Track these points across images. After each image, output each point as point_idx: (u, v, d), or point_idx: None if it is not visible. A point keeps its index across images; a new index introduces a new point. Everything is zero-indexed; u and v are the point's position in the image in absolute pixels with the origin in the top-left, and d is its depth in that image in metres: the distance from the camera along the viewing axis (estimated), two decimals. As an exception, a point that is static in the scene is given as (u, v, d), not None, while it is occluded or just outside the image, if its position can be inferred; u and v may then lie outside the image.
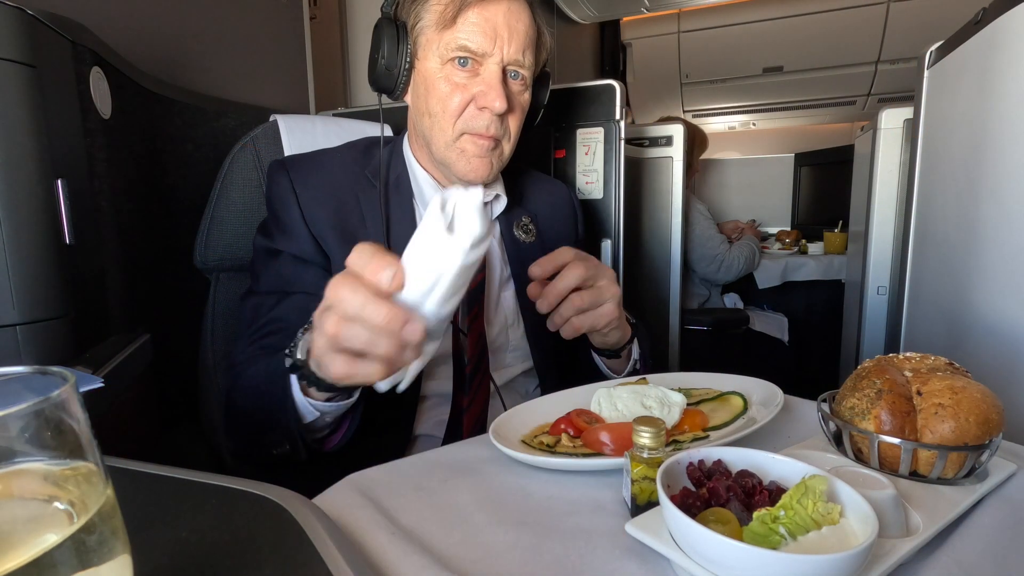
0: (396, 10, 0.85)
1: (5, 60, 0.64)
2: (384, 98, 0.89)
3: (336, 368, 0.54)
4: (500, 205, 0.96)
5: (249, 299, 0.87)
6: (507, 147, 0.88)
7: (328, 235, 0.84)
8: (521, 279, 0.93)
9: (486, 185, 0.89)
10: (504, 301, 0.93)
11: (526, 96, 0.87)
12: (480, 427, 0.87)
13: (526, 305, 0.91)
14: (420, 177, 0.92)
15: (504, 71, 0.82)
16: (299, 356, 0.62)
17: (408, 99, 0.90)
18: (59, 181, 0.70)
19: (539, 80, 0.92)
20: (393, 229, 0.88)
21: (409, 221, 0.89)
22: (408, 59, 0.84)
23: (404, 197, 0.90)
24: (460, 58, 0.81)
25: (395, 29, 0.83)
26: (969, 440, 0.50)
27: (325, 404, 0.66)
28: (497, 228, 0.97)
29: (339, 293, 0.52)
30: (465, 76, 0.82)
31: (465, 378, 0.86)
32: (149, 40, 1.17)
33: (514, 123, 0.86)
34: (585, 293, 0.75)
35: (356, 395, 0.68)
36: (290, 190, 0.86)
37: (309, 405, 0.66)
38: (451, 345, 0.86)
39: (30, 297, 0.66)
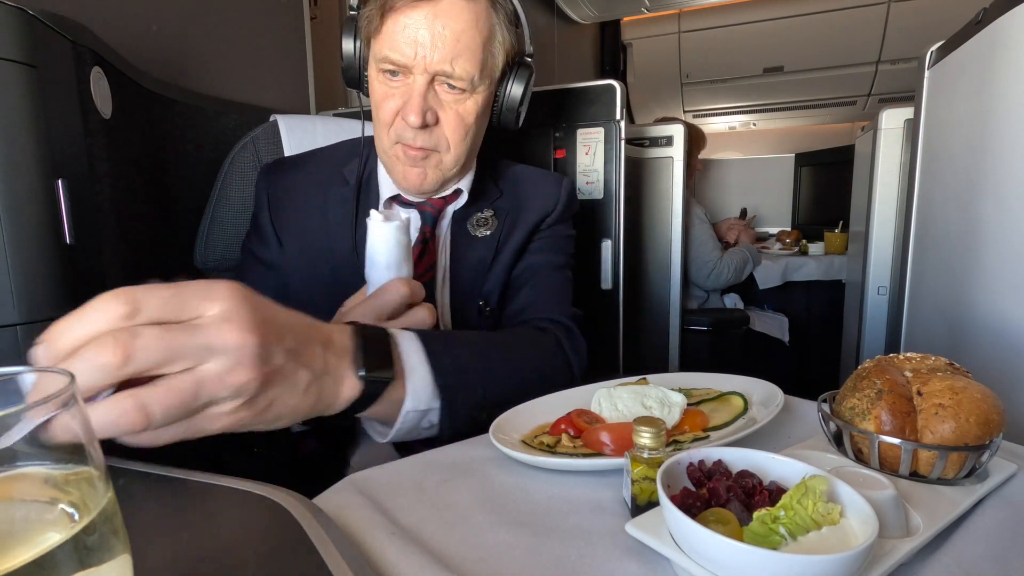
0: (359, 8, 0.84)
1: (6, 60, 0.64)
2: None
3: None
4: (460, 201, 0.92)
5: None
6: (448, 157, 0.83)
7: (286, 228, 0.88)
8: (457, 275, 0.91)
9: (424, 191, 0.87)
10: (443, 297, 0.91)
11: (468, 104, 0.81)
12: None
13: (454, 302, 0.90)
14: (381, 172, 0.92)
15: (435, 79, 0.78)
16: None
17: None
18: (59, 181, 0.71)
19: (514, 75, 0.87)
20: (338, 227, 0.89)
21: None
22: (363, 60, 0.84)
23: (372, 193, 0.91)
24: (387, 68, 0.78)
25: (353, 27, 0.84)
26: (970, 440, 0.50)
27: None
28: (450, 223, 0.92)
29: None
30: (396, 85, 0.79)
31: None
32: (150, 40, 1.17)
33: (452, 133, 0.81)
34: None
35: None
36: (264, 193, 0.90)
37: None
38: None
39: (31, 297, 0.66)
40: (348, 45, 0.84)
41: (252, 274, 0.90)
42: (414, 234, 0.90)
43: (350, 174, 0.91)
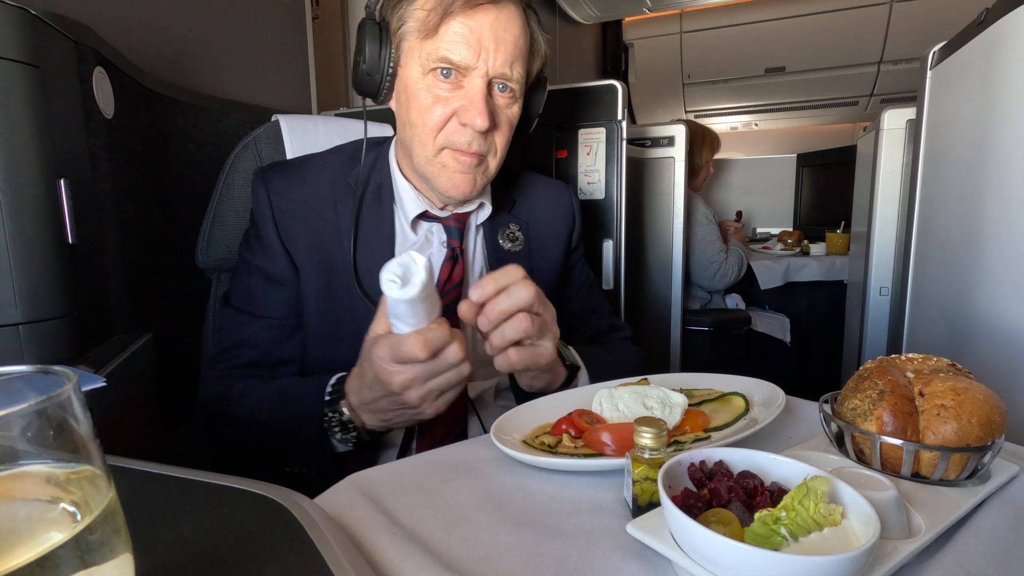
0: (380, 10, 0.80)
1: (8, 60, 0.64)
2: (370, 101, 0.87)
3: (432, 411, 0.69)
4: (484, 213, 0.92)
5: (222, 308, 0.91)
6: (493, 162, 0.84)
7: (301, 250, 0.85)
8: None
9: (469, 199, 0.87)
10: None
11: (515, 109, 0.82)
12: (453, 439, 0.86)
13: None
14: (401, 186, 0.88)
15: (490, 84, 0.78)
16: (356, 433, 0.74)
17: (392, 105, 0.86)
18: (62, 181, 0.71)
19: (535, 86, 0.88)
20: (371, 239, 0.86)
21: (388, 230, 0.87)
22: (391, 65, 0.79)
23: (385, 205, 0.88)
24: (442, 69, 0.76)
25: (378, 31, 0.79)
26: (971, 441, 0.50)
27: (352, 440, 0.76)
28: (481, 237, 0.93)
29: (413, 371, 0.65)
30: (447, 88, 0.77)
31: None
32: (152, 40, 1.17)
33: (500, 138, 0.82)
34: (533, 318, 0.69)
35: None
36: (267, 204, 0.85)
37: (341, 444, 0.76)
38: None
39: (33, 296, 0.66)
40: (373, 48, 0.78)
41: (256, 285, 0.87)
42: (442, 251, 0.88)
43: (356, 183, 0.88)
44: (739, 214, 3.31)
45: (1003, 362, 0.89)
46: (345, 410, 0.74)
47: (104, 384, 0.61)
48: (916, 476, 0.52)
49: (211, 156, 1.19)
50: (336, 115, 1.36)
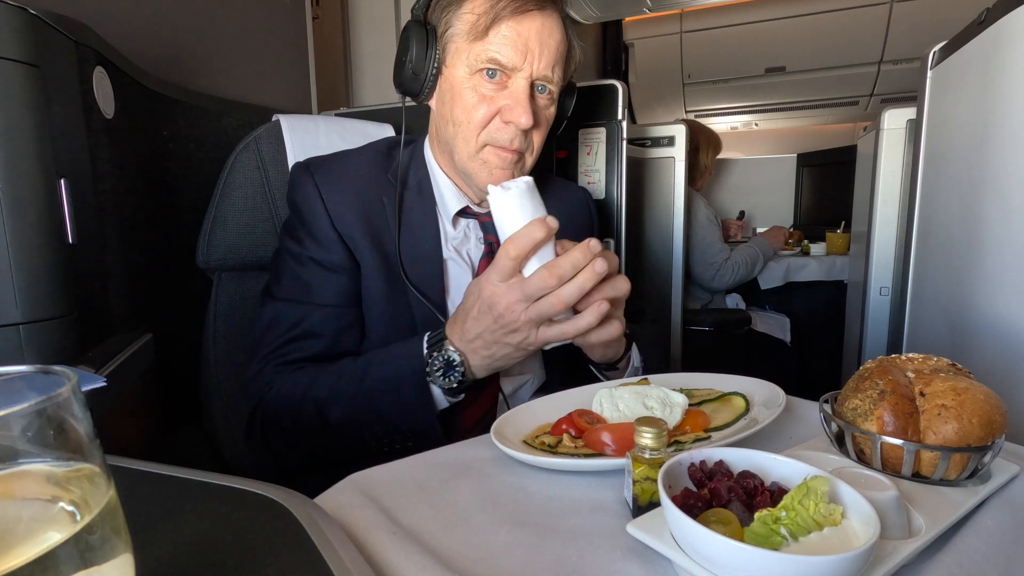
0: (427, 13, 0.84)
1: (8, 60, 0.64)
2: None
3: (537, 338, 0.71)
4: None
5: (269, 303, 0.88)
6: (529, 160, 0.88)
7: (357, 238, 0.86)
8: None
9: None
10: None
11: (552, 110, 0.87)
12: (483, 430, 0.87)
13: None
14: (441, 182, 0.92)
15: (532, 85, 0.82)
16: (464, 377, 0.75)
17: (432, 103, 0.89)
18: (62, 181, 0.71)
19: (565, 90, 0.92)
20: (417, 234, 0.88)
21: (432, 226, 0.89)
22: (436, 65, 0.83)
23: (427, 201, 0.91)
24: (489, 70, 0.80)
25: (424, 33, 0.83)
26: (972, 441, 0.50)
27: (452, 398, 0.78)
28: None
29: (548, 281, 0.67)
30: (492, 88, 0.81)
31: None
32: (152, 40, 1.17)
33: (538, 137, 0.87)
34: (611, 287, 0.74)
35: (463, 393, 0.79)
36: (316, 196, 0.86)
37: (444, 400, 0.78)
38: None
39: (33, 296, 0.66)
40: (420, 49, 0.82)
41: (313, 276, 0.86)
42: (479, 246, 0.92)
43: (395, 178, 0.91)
44: (742, 213, 3.30)
45: (1003, 362, 0.89)
46: (450, 348, 0.74)
47: (104, 384, 0.61)
48: (916, 476, 0.52)
49: (211, 156, 1.19)
50: (337, 115, 1.36)
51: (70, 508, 0.27)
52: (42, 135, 0.68)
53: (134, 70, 0.98)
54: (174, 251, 1.09)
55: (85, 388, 0.59)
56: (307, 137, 1.14)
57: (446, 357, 0.74)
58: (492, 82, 0.81)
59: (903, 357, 0.59)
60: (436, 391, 0.76)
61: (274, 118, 1.14)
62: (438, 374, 0.74)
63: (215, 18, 1.33)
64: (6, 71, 0.64)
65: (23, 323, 0.65)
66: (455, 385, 0.75)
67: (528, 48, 0.80)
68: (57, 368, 0.29)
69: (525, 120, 0.80)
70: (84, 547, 0.26)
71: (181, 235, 1.10)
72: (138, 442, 0.87)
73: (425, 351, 0.76)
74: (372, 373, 0.79)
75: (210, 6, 1.31)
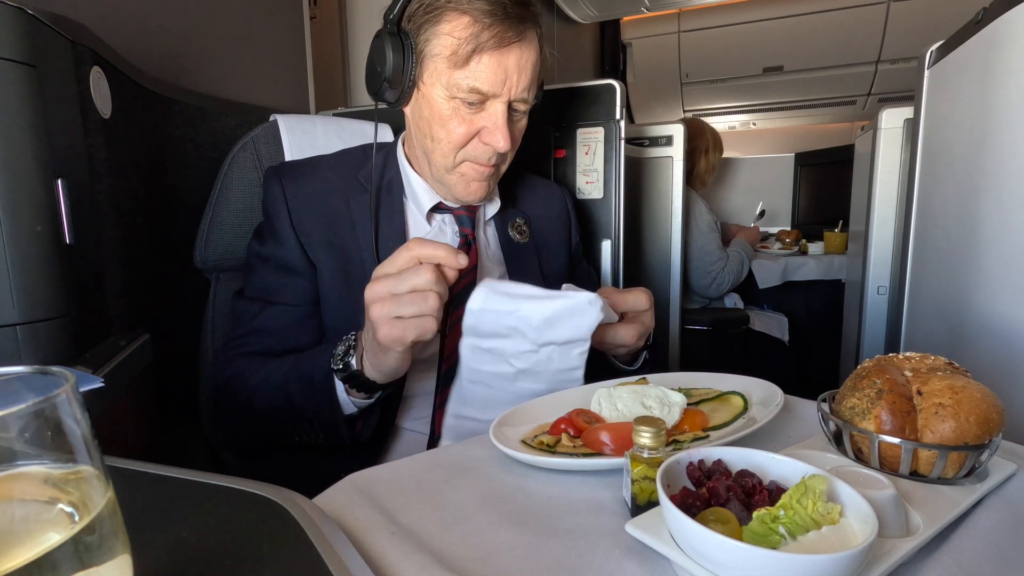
0: (401, 21, 0.83)
1: (5, 60, 0.64)
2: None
3: (384, 334, 0.67)
4: (493, 207, 0.99)
5: (237, 300, 0.94)
6: (503, 168, 0.91)
7: (315, 243, 0.88)
8: (516, 278, 0.93)
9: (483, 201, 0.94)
10: None
11: (524, 121, 0.90)
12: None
13: None
14: (413, 179, 0.94)
15: (509, 106, 0.84)
16: (354, 366, 0.74)
17: (407, 110, 0.90)
18: (59, 181, 0.70)
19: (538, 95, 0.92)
20: (382, 231, 0.90)
21: (399, 221, 0.92)
22: (412, 79, 0.84)
23: (395, 198, 0.93)
24: (471, 101, 0.82)
25: (400, 42, 0.82)
26: (969, 440, 0.50)
27: (359, 400, 0.77)
28: (492, 229, 1.00)
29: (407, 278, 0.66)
30: (471, 112, 0.83)
31: (440, 377, 0.87)
32: (149, 40, 1.17)
33: (513, 148, 0.89)
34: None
35: (379, 394, 0.77)
36: (281, 197, 0.89)
37: (350, 402, 0.77)
38: (437, 345, 0.87)
39: (30, 297, 0.66)
40: (396, 59, 0.82)
41: (269, 274, 0.90)
42: (455, 240, 0.94)
43: (366, 180, 0.93)
44: (762, 213, 3.17)
45: (1000, 360, 0.89)
46: (340, 349, 0.75)
47: (102, 385, 0.61)
48: (914, 474, 0.52)
49: (209, 156, 1.19)
50: (334, 115, 1.36)
51: (68, 509, 0.27)
52: (39, 135, 0.67)
53: (131, 70, 0.98)
54: (172, 251, 1.09)
55: (83, 389, 0.59)
56: (305, 137, 1.14)
57: (343, 358, 0.75)
58: (470, 107, 0.83)
59: (901, 356, 0.59)
60: (340, 387, 0.76)
61: (272, 118, 1.14)
62: (340, 372, 0.75)
63: (212, 18, 1.33)
64: (3, 71, 0.64)
65: (20, 323, 0.65)
66: (361, 393, 0.75)
67: (507, 76, 0.81)
68: (54, 369, 0.29)
69: (504, 144, 0.83)
70: (82, 548, 0.26)
71: (179, 235, 1.10)
72: (136, 442, 0.87)
73: (341, 349, 0.76)
74: (296, 366, 0.80)
75: (207, 6, 1.31)
